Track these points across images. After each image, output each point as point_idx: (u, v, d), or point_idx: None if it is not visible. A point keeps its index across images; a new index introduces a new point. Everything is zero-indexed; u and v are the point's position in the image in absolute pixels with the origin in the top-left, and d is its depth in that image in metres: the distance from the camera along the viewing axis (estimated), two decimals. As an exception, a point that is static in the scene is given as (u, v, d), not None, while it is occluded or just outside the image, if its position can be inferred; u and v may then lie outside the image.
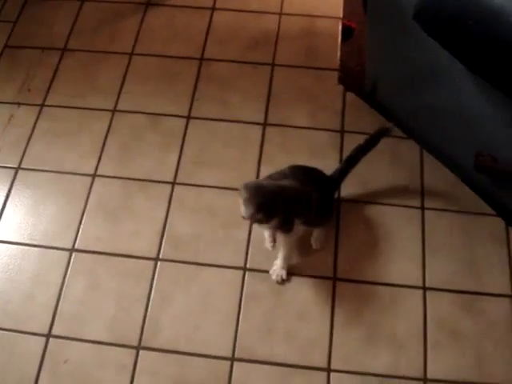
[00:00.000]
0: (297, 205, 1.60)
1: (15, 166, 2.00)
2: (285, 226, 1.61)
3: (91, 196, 1.93)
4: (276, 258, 1.76)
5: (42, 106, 2.14)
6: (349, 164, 1.80)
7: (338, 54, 1.95)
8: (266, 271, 1.76)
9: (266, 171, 1.93)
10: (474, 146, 1.74)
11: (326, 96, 2.13)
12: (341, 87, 2.11)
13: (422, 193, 1.91)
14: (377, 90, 1.99)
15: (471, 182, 1.89)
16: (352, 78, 2.01)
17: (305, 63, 2.22)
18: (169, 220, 1.88)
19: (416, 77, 1.79)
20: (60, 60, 2.26)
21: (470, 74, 1.50)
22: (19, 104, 2.16)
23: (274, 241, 1.79)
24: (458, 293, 1.74)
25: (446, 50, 1.45)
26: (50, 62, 2.26)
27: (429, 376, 1.62)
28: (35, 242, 1.86)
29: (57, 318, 1.73)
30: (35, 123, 2.10)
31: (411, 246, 1.82)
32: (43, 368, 1.65)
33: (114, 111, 2.12)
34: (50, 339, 1.70)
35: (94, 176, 1.97)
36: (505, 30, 1.28)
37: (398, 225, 1.86)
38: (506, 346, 1.66)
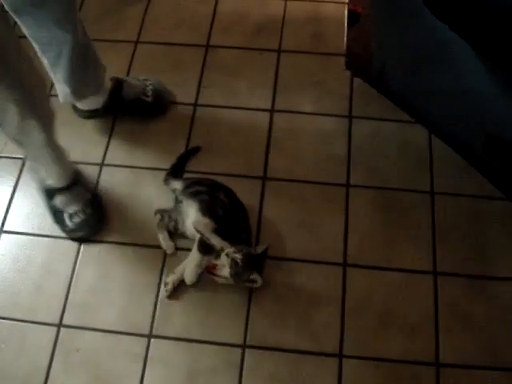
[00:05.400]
0: None
1: (23, 156, 1.98)
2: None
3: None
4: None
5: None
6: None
7: (345, 39, 1.93)
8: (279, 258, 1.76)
9: (274, 158, 1.94)
10: (483, 129, 1.73)
11: (333, 81, 2.11)
12: (348, 72, 2.09)
13: (432, 177, 1.90)
14: (384, 75, 1.98)
15: (480, 165, 1.88)
16: (359, 63, 1.99)
17: (311, 49, 2.20)
18: (178, 208, 1.87)
19: (423, 60, 1.78)
20: (65, 50, 2.24)
21: (479, 55, 1.49)
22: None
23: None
24: (470, 277, 1.73)
25: (454, 32, 1.44)
26: (55, 52, 2.23)
27: (441, 361, 1.62)
28: (44, 233, 1.85)
29: (67, 307, 1.73)
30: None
31: (421, 230, 1.81)
32: (55, 358, 1.66)
33: (120, 100, 2.10)
34: (61, 329, 1.70)
35: (101, 165, 1.96)
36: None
37: (407, 210, 1.85)
38: (518, 330, 1.66)
